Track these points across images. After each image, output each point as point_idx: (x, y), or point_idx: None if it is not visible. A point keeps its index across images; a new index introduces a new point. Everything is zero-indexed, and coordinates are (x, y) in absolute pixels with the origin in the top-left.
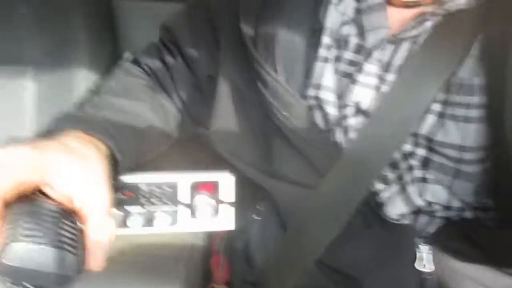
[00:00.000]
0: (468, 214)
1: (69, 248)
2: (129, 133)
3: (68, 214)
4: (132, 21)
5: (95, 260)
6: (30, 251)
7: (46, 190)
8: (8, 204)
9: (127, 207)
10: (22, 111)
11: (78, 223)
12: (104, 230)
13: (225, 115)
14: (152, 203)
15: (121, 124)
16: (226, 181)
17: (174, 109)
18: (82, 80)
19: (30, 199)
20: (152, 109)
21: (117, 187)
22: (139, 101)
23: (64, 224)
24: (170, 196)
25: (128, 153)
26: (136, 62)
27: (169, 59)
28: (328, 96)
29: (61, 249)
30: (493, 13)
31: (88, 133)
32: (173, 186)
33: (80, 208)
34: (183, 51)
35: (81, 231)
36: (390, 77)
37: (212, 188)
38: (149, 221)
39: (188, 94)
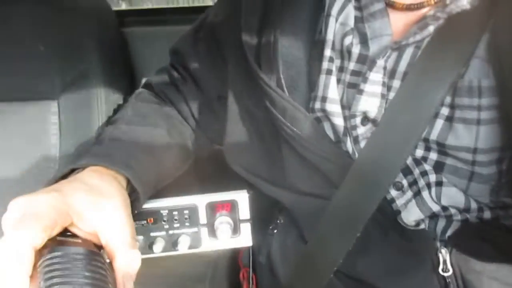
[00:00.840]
0: (486, 215)
1: None
2: (148, 161)
3: (96, 253)
4: (144, 47)
5: None
6: None
7: (74, 230)
8: (39, 251)
9: (151, 233)
10: (47, 143)
11: (106, 259)
12: (131, 262)
13: (236, 132)
14: (174, 227)
15: (139, 152)
16: (242, 199)
17: (190, 131)
18: (101, 109)
19: (59, 242)
20: (169, 134)
21: (140, 214)
22: (155, 127)
23: (92, 265)
24: (190, 219)
25: (148, 181)
26: (149, 87)
27: (180, 82)
28: (334, 108)
29: None
30: (498, 12)
31: (107, 167)
32: (193, 209)
33: (106, 244)
34: (192, 73)
35: (110, 267)
36: (396, 83)
37: (229, 207)
38: (172, 244)
39: (201, 114)
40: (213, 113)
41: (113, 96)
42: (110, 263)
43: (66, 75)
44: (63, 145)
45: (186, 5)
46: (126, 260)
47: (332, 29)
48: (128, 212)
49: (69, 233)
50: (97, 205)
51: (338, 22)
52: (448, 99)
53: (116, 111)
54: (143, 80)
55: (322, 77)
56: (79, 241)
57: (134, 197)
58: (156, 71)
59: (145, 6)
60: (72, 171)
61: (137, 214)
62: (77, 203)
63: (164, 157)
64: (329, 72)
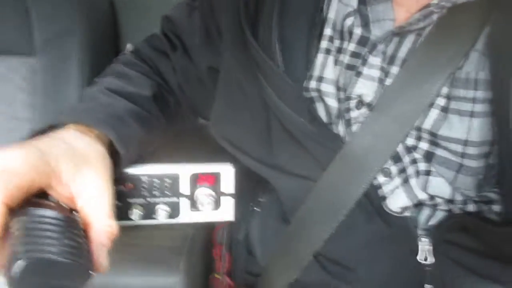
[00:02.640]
0: (470, 208)
1: (76, 258)
2: (132, 124)
3: (72, 220)
4: (133, 13)
5: (101, 263)
6: (39, 263)
7: (51, 192)
8: (12, 210)
9: (128, 199)
10: (21, 101)
11: (81, 227)
12: (106, 231)
13: (226, 106)
14: (153, 195)
15: (124, 114)
16: (227, 173)
17: (174, 99)
18: (82, 71)
19: (34, 204)
20: (154, 99)
21: (120, 179)
22: (141, 91)
23: (69, 232)
24: (171, 188)
25: (131, 145)
26: (136, 52)
27: (170, 49)
28: (330, 89)
29: (69, 259)
30: (499, 6)
31: (89, 126)
32: (174, 178)
33: (82, 211)
34: (184, 42)
35: (85, 234)
36: (394, 70)
37: (212, 179)
38: (150, 213)
39: (189, 85)
40: (201, 84)
41: (96, 59)
42: (85, 231)
43: (47, 31)
44: (38, 105)
45: None
46: (102, 228)
47: (334, 9)
48: (108, 178)
49: (44, 195)
50: (77, 168)
51: (341, 2)
52: (445, 90)
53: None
54: (128, 46)
55: (320, 56)
56: (54, 205)
57: (115, 160)
58: (145, 38)
59: None
60: (51, 129)
61: (116, 179)
62: (57, 164)
63: (148, 123)
64: (327, 51)
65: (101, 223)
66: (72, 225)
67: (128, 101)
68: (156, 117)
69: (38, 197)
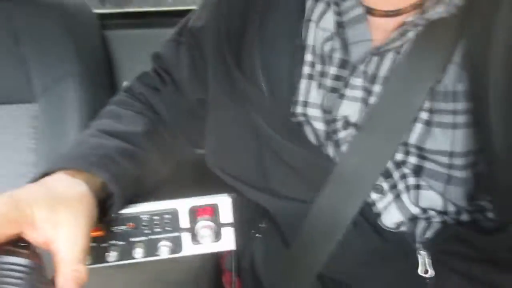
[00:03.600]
0: (464, 217)
1: None
2: (126, 163)
3: (39, 267)
4: (127, 50)
5: None
6: None
7: (28, 238)
8: None
9: (131, 238)
10: (24, 147)
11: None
12: (73, 276)
13: (217, 136)
14: (155, 232)
15: (116, 154)
16: (224, 203)
17: (169, 133)
18: (81, 112)
19: (5, 251)
20: (147, 136)
21: (120, 219)
22: (131, 127)
23: (33, 279)
24: (171, 223)
25: (126, 184)
26: (129, 91)
27: (160, 85)
28: (315, 113)
29: None
30: (473, 20)
31: (81, 170)
32: (174, 213)
33: (55, 256)
34: (173, 76)
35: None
36: (377, 88)
37: (211, 211)
38: (153, 250)
39: (182, 118)
40: (194, 116)
41: (94, 100)
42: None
43: (46, 78)
44: (40, 150)
45: (170, 8)
46: (68, 273)
47: (312, 35)
48: (85, 220)
49: (21, 241)
50: (53, 213)
51: (319, 28)
52: (427, 104)
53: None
54: (125, 83)
55: (303, 81)
56: (26, 251)
57: (112, 201)
58: (137, 76)
59: (128, 9)
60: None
61: (117, 220)
62: (32, 210)
63: (141, 159)
64: (310, 77)
65: (68, 268)
66: (38, 272)
67: (119, 140)
68: (150, 153)
69: (16, 243)
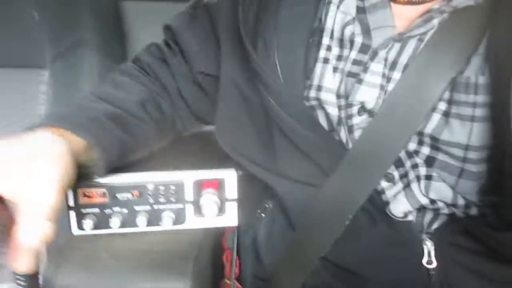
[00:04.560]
0: (473, 211)
1: None
2: (113, 128)
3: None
4: (140, 21)
5: (21, 261)
6: None
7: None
8: None
9: (135, 206)
10: (34, 112)
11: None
12: (34, 233)
13: (228, 114)
14: (159, 202)
15: (104, 118)
16: (230, 178)
17: (169, 105)
18: (92, 82)
19: None
20: (142, 105)
21: (125, 187)
22: (127, 94)
23: None
24: (176, 195)
25: (110, 148)
26: (136, 61)
27: (169, 57)
28: (329, 97)
29: None
30: (500, 10)
31: (64, 129)
32: (179, 185)
33: (17, 207)
34: (183, 48)
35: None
36: (396, 75)
37: (216, 185)
38: (156, 220)
39: (189, 92)
40: (201, 90)
41: (105, 70)
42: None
43: (59, 44)
44: None
45: None
46: (29, 229)
47: (332, 18)
48: (59, 178)
49: None
50: (23, 166)
51: (339, 11)
52: (446, 94)
53: None
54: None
55: (319, 65)
56: None
57: (95, 163)
58: (146, 46)
59: None
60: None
61: (122, 187)
62: (7, 164)
63: (133, 126)
64: (325, 60)
65: (28, 222)
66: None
67: (110, 105)
68: (144, 122)
69: None
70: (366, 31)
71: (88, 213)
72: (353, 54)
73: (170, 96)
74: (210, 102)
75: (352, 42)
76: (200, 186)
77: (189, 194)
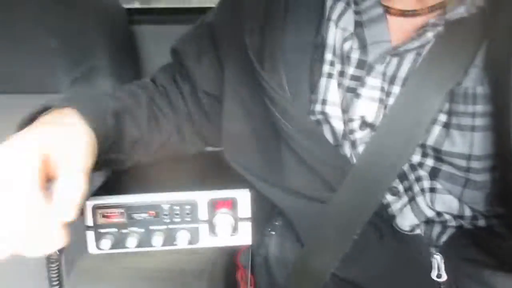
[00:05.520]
0: (481, 222)
1: None
2: (110, 114)
3: None
4: (152, 44)
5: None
6: None
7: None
8: None
9: (151, 226)
10: None
11: None
12: (75, 188)
13: (233, 131)
14: (174, 222)
15: (112, 112)
16: (243, 197)
17: (170, 126)
18: None
19: None
20: (148, 117)
21: (141, 208)
22: (136, 101)
23: None
24: (190, 214)
25: (106, 130)
26: (152, 79)
27: (179, 79)
28: (334, 111)
29: None
30: (496, 20)
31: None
32: (193, 204)
33: (56, 164)
34: (189, 71)
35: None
36: (396, 89)
37: (230, 204)
38: (171, 239)
39: (194, 114)
40: (203, 111)
41: None
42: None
43: (74, 71)
44: None
45: (197, 5)
46: (71, 184)
47: (333, 34)
48: (88, 144)
49: None
50: (60, 133)
51: (339, 27)
52: (446, 106)
53: None
54: None
55: (323, 80)
56: None
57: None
58: (161, 67)
59: (157, 5)
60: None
61: (139, 207)
62: (45, 133)
63: (132, 133)
64: (329, 75)
65: (71, 177)
66: None
67: (121, 104)
68: (144, 138)
69: None
70: (363, 46)
71: (106, 233)
72: (351, 70)
73: (183, 118)
74: (211, 122)
75: (349, 58)
76: (214, 205)
77: (203, 214)
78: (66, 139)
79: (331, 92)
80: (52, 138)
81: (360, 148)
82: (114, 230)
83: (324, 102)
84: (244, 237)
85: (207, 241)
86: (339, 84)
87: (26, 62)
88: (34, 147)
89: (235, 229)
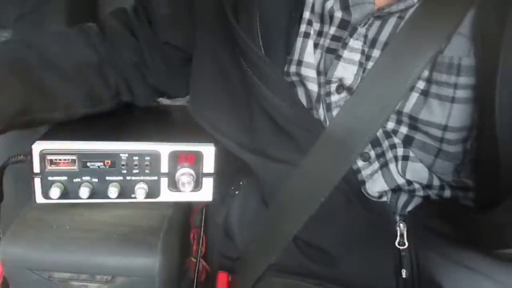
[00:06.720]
0: (447, 193)
1: None
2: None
3: None
4: None
5: None
6: None
7: None
8: None
9: (107, 177)
10: None
11: None
12: None
13: (205, 89)
14: (133, 173)
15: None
16: (208, 153)
17: (118, 77)
18: None
19: None
20: (73, 65)
21: (97, 156)
22: (63, 50)
23: None
24: (151, 166)
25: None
26: (100, 23)
27: (136, 26)
28: (310, 73)
29: None
30: None
31: None
32: (155, 156)
33: None
34: (152, 18)
35: None
36: (376, 53)
37: (193, 159)
38: (128, 191)
39: (150, 64)
40: (163, 63)
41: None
42: None
43: (22, 6)
44: None
45: None
46: None
47: None
48: None
49: None
50: None
51: None
52: (425, 73)
53: None
54: None
55: (299, 40)
56: None
57: None
58: (113, 10)
59: None
60: None
61: (93, 155)
62: None
63: (48, 82)
64: (306, 35)
65: None
66: None
67: (36, 54)
68: (69, 80)
69: None
70: (346, 7)
71: (55, 181)
72: (332, 30)
73: (123, 66)
74: (173, 76)
75: (331, 17)
76: (176, 158)
77: (164, 166)
78: None
79: (307, 53)
80: None
81: (335, 112)
82: (64, 178)
83: (299, 63)
84: (205, 193)
85: (166, 195)
86: (317, 45)
87: None
88: None
89: (197, 184)
